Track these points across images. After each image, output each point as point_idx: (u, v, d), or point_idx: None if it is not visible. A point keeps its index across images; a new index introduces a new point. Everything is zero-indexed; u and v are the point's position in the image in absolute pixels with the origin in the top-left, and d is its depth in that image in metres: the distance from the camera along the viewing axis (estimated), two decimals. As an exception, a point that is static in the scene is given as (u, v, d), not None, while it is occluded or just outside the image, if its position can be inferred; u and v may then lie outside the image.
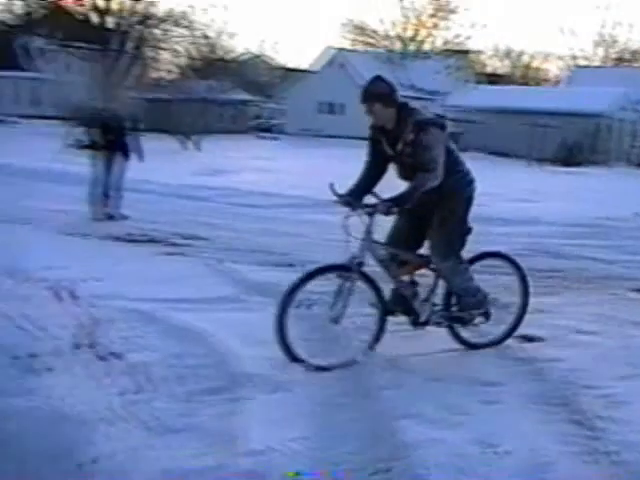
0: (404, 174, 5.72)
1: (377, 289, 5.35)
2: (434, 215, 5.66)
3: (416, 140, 5.50)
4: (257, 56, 69.64)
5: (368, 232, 5.35)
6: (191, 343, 5.25)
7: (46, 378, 4.01)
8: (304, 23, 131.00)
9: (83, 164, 12.52)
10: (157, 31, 51.39)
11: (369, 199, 5.50)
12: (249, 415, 4.21)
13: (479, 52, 63.11)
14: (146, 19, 49.53)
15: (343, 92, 48.39)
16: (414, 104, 5.75)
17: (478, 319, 5.81)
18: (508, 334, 5.98)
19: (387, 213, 5.36)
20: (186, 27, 51.87)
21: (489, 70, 65.32)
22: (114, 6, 48.56)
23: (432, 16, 60.91)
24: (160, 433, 4.01)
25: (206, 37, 52.85)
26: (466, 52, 58.36)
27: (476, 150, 31.93)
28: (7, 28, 57.66)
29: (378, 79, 5.71)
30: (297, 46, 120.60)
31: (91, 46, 48.85)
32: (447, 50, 58.39)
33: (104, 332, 4.81)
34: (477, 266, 5.88)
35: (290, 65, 69.29)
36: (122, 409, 4.06)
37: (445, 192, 5.54)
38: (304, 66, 61.81)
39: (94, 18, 49.17)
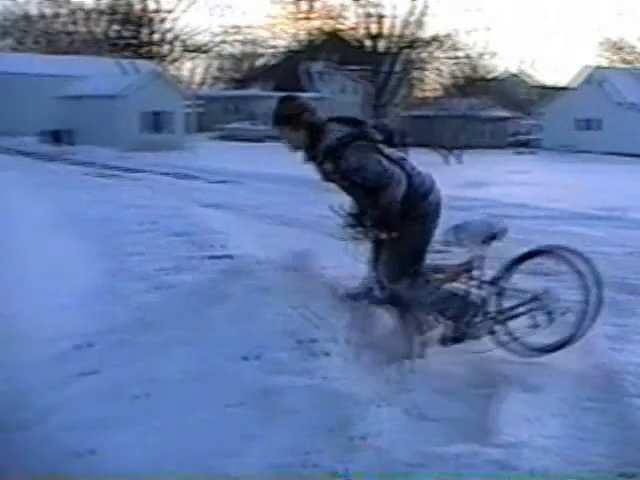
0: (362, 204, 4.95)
1: None
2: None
3: (339, 170, 4.78)
4: (516, 75, 68.54)
5: None
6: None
7: (323, 361, 4.28)
8: (562, 42, 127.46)
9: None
10: (423, 53, 51.95)
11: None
12: (503, 411, 4.23)
13: None
14: (414, 42, 50.23)
15: (600, 109, 46.59)
16: (330, 125, 4.97)
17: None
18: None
19: (376, 239, 4.89)
20: (450, 49, 52.07)
21: None
22: (385, 31, 49.59)
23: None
24: (419, 420, 4.17)
25: (469, 57, 52.82)
26: None
27: None
28: (293, 54, 60.65)
29: (287, 99, 5.04)
30: (554, 64, 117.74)
31: (364, 68, 50.25)
32: None
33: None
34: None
35: (548, 83, 67.60)
36: (388, 395, 4.24)
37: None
38: (562, 84, 60.04)
39: (367, 43, 50.48)
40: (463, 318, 4.92)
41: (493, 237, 4.90)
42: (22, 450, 4.17)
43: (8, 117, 40.30)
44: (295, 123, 4.92)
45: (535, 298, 4.87)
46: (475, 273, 4.99)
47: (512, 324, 4.98)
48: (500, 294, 4.99)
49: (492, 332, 4.96)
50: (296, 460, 3.65)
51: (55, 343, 5.52)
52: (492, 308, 4.98)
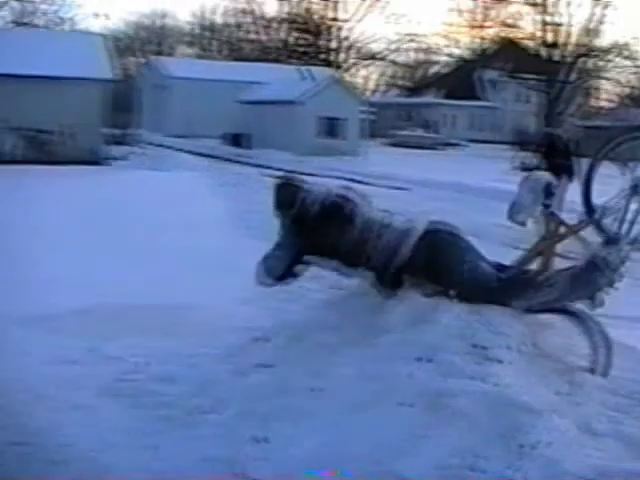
0: None
1: None
2: None
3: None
4: None
5: None
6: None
7: (496, 367, 4.26)
8: None
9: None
10: (600, 62, 50.23)
11: None
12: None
13: None
14: (590, 51, 48.62)
15: None
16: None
17: None
18: None
19: None
20: (628, 58, 50.08)
21: None
22: (561, 39, 48.29)
23: None
24: (588, 433, 4.07)
25: (647, 67, 50.54)
26: None
27: None
28: (466, 62, 60.16)
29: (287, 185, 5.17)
30: None
31: (538, 77, 49.10)
32: None
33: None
34: None
35: None
36: (559, 406, 4.17)
37: None
38: None
39: (542, 52, 49.30)
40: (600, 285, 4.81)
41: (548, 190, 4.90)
42: (201, 435, 4.37)
43: (193, 121, 42.14)
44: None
45: None
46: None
47: None
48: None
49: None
50: (465, 463, 3.66)
51: (235, 334, 5.76)
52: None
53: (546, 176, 5.16)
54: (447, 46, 64.73)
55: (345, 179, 23.78)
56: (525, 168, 15.23)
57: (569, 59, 48.11)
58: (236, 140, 37.80)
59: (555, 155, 12.16)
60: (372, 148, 37.00)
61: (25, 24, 45.21)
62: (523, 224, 5.05)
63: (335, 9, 62.07)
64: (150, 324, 6.47)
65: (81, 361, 5.65)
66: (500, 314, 4.68)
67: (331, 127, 35.53)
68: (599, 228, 5.32)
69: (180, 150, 32.01)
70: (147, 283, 8.36)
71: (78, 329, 6.41)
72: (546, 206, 5.04)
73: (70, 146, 22.85)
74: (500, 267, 4.98)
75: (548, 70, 47.77)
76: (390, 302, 4.90)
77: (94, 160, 22.55)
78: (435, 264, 4.82)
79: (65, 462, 4.17)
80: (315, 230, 5.02)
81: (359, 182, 22.95)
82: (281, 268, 5.16)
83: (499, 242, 10.51)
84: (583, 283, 4.78)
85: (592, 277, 4.74)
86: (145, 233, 11.25)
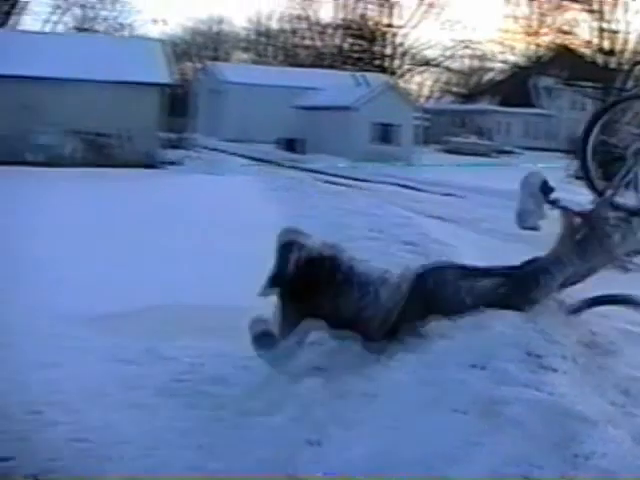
0: None
1: None
2: None
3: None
4: None
5: None
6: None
7: (551, 376, 4.22)
8: None
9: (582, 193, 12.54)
10: (659, 70, 49.32)
11: None
12: None
13: None
14: (647, 58, 47.80)
15: None
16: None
17: None
18: None
19: None
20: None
21: None
22: (618, 47, 47.57)
23: None
24: (642, 444, 4.00)
25: None
26: None
27: None
28: (521, 69, 59.62)
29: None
30: None
31: (594, 84, 48.41)
32: None
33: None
34: None
35: None
36: (614, 416, 4.11)
37: None
38: None
39: (599, 59, 48.60)
40: None
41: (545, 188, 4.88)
42: (255, 437, 4.40)
43: (248, 125, 42.45)
44: None
45: None
46: None
47: None
48: None
49: None
50: (518, 471, 3.63)
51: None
52: None
53: (538, 175, 5.13)
54: (502, 53, 64.14)
55: (399, 185, 23.80)
56: (579, 176, 15.01)
57: (626, 67, 47.31)
58: (290, 145, 37.97)
59: (611, 163, 11.97)
60: (425, 154, 36.85)
61: (86, 30, 46.06)
62: (535, 228, 5.05)
63: (390, 15, 62.05)
64: (205, 325, 6.55)
65: (138, 361, 5.75)
66: (555, 322, 4.64)
67: (385, 133, 35.47)
68: (613, 206, 5.17)
69: (234, 154, 32.25)
70: (202, 285, 8.47)
71: (135, 329, 6.53)
72: (552, 202, 4.99)
73: (128, 149, 23.20)
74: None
75: (604, 78, 47.04)
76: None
77: (151, 164, 22.84)
78: (434, 307, 4.82)
79: (120, 459, 4.25)
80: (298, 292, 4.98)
81: (412, 188, 22.94)
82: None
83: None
84: (595, 244, 4.69)
85: (602, 233, 4.66)
86: (201, 236, 11.39)
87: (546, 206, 11.47)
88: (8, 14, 42.69)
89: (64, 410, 4.87)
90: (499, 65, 65.69)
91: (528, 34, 61.50)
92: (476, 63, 67.35)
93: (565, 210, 5.27)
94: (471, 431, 3.86)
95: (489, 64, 66.69)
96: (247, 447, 4.32)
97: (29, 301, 7.34)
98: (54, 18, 48.50)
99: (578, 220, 5.11)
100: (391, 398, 4.28)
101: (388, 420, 4.15)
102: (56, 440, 4.46)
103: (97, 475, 2.90)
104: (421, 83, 68.39)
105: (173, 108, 28.75)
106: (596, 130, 5.54)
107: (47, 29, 45.69)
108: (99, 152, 22.92)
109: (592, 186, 5.46)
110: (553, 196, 10.32)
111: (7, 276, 8.29)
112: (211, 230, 11.94)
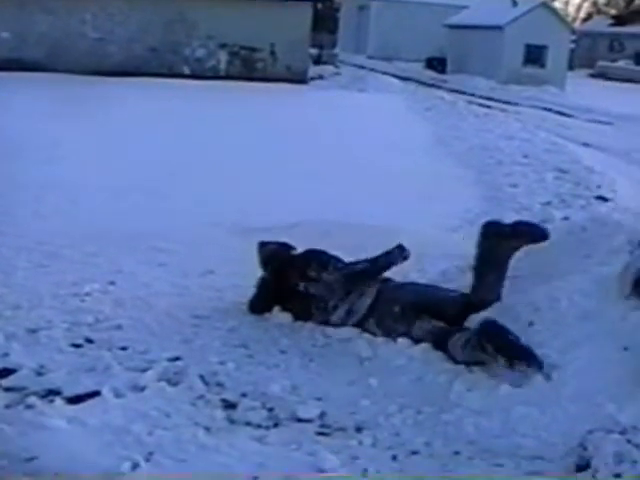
0: None
1: None
2: None
3: None
4: None
5: None
6: None
7: None
8: None
9: None
10: None
11: None
12: None
13: None
14: None
15: None
16: None
17: None
18: None
19: None
20: None
21: None
22: None
23: None
24: None
25: None
26: None
27: None
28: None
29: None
30: None
31: None
32: None
33: None
34: None
35: None
36: None
37: None
38: None
39: None
40: None
41: None
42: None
43: (399, 43, 41.69)
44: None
45: None
46: None
47: None
48: None
49: None
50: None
51: (445, 261, 5.78)
52: None
53: None
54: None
55: (547, 109, 22.97)
56: None
57: None
58: (438, 64, 37.12)
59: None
60: (576, 79, 35.27)
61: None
62: None
63: None
64: (355, 242, 6.52)
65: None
66: None
67: (536, 55, 33.97)
68: None
69: (379, 71, 31.82)
70: (351, 203, 8.50)
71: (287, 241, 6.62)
72: None
73: (279, 64, 23.26)
74: None
75: None
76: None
77: (301, 79, 22.88)
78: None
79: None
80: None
81: (562, 114, 22.10)
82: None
83: None
84: None
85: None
86: (350, 154, 11.38)
87: None
88: None
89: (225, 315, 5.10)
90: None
91: None
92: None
93: None
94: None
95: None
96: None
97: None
98: None
99: None
100: (554, 328, 4.14)
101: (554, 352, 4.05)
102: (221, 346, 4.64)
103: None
104: (580, 4, 65.10)
105: (317, 23, 28.52)
106: None
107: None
108: (251, 66, 23.07)
109: None
110: None
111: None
112: (358, 147, 11.89)
